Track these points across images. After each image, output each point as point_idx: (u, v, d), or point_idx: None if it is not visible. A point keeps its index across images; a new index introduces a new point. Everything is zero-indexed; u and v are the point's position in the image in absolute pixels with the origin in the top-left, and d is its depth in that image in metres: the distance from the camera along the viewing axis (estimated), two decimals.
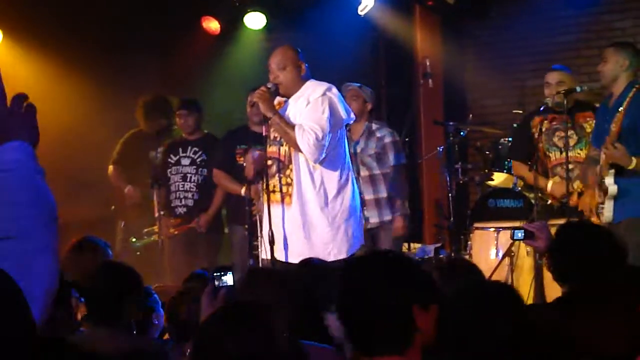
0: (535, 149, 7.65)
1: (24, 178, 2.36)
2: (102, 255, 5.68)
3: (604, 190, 6.72)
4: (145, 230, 9.01)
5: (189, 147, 8.83)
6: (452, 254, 8.51)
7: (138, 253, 9.00)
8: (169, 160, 8.85)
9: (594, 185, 6.94)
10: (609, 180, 6.67)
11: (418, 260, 2.99)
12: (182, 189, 8.79)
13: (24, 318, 1.97)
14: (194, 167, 8.79)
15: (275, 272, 5.03)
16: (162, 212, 8.70)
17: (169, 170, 8.83)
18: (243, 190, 8.03)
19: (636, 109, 6.64)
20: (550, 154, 7.65)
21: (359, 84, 8.39)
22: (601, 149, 6.79)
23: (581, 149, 7.46)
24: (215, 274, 3.89)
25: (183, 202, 8.80)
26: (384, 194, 8.21)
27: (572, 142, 7.44)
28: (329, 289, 4.38)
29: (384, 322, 2.87)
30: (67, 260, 5.35)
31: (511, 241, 7.10)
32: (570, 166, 7.43)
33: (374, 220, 8.09)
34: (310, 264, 5.25)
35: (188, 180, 8.79)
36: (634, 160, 6.56)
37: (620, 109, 6.71)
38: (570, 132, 7.49)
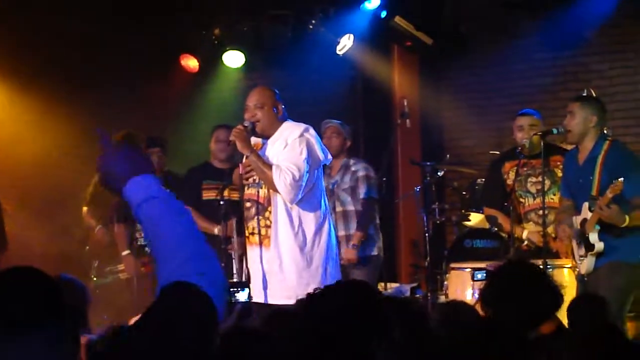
0: (507, 195, 7.66)
1: (159, 209, 2.70)
2: (79, 293, 5.62)
3: (587, 245, 6.70)
4: (108, 268, 8.85)
5: None
6: (429, 295, 8.49)
7: (97, 291, 8.73)
8: None
9: (565, 231, 6.93)
10: (594, 237, 6.65)
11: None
12: None
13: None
14: None
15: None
16: (128, 251, 8.59)
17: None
18: (217, 230, 8.04)
19: (613, 164, 6.66)
20: (523, 200, 7.66)
21: (339, 121, 8.47)
22: (581, 203, 6.78)
23: (554, 194, 7.46)
24: (230, 290, 3.85)
25: None
26: (353, 231, 8.26)
27: (545, 188, 7.46)
28: None
29: None
30: None
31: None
32: (545, 211, 7.45)
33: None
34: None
35: None
36: (627, 218, 6.54)
37: (598, 163, 6.73)
38: (542, 178, 7.52)
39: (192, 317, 2.41)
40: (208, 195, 8.37)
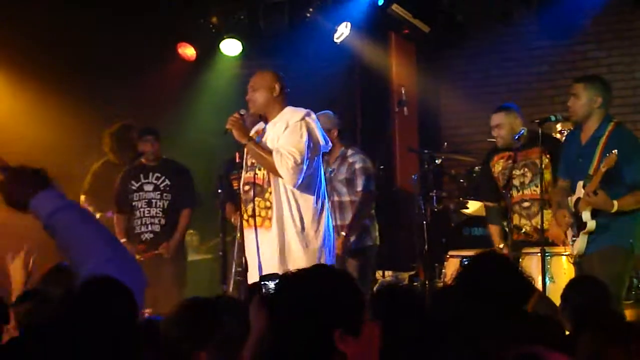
0: (497, 187, 7.75)
1: (74, 216, 2.87)
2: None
3: (580, 224, 6.71)
4: None
5: (150, 173, 8.74)
6: (427, 283, 8.50)
7: None
8: (131, 186, 8.74)
9: (565, 218, 6.93)
10: (587, 216, 6.65)
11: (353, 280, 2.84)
12: (147, 214, 8.71)
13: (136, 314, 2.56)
14: (158, 192, 8.70)
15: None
16: (124, 239, 8.65)
17: (131, 196, 8.74)
18: (232, 219, 8.05)
19: (616, 145, 6.63)
20: (510, 192, 7.68)
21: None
22: (577, 182, 6.78)
23: (537, 186, 7.45)
24: (262, 283, 3.83)
25: (150, 228, 8.70)
26: (348, 222, 8.20)
27: (527, 180, 7.49)
28: None
29: (300, 346, 2.74)
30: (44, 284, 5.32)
31: None
32: (527, 204, 7.49)
33: None
34: None
35: (154, 205, 8.71)
36: (616, 204, 6.53)
37: (600, 143, 6.72)
38: (524, 170, 7.55)
39: (112, 312, 2.51)
40: (236, 184, 8.37)
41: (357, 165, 8.22)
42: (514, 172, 7.63)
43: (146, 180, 8.72)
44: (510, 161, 7.65)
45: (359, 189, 8.20)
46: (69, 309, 2.52)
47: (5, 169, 2.96)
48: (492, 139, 8.59)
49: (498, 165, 7.77)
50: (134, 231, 8.69)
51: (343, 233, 8.06)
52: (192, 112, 10.44)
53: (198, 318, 4.08)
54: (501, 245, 7.63)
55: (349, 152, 8.32)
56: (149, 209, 8.70)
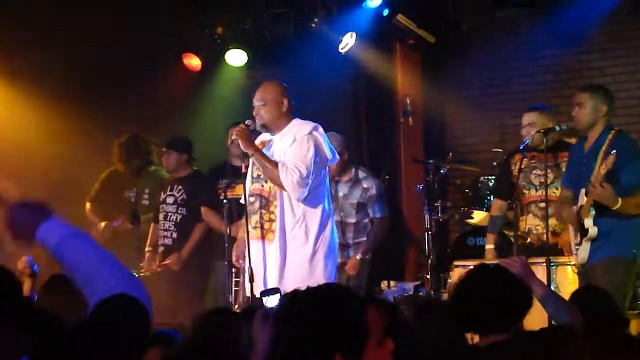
0: (514, 186, 7.72)
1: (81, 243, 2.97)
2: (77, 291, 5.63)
3: (582, 232, 6.71)
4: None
5: (175, 186, 8.86)
6: (432, 293, 8.50)
7: None
8: (160, 198, 8.91)
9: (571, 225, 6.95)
10: (589, 222, 6.66)
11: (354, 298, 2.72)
12: (162, 227, 8.82)
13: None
14: (175, 206, 8.79)
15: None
16: (150, 249, 8.76)
17: (159, 207, 8.89)
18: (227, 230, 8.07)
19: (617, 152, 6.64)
20: (526, 192, 7.70)
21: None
22: (580, 191, 6.79)
23: (557, 188, 7.49)
24: (264, 297, 3.83)
25: (163, 241, 8.80)
26: (350, 240, 8.31)
27: (548, 181, 7.49)
28: None
29: None
30: (43, 294, 5.34)
31: None
32: (544, 204, 7.49)
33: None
34: None
35: (168, 219, 8.79)
36: (620, 200, 6.55)
37: (601, 152, 6.73)
38: (548, 171, 7.55)
39: (131, 326, 2.57)
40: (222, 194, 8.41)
41: (373, 192, 8.41)
42: (535, 171, 7.65)
43: (170, 193, 8.85)
44: (534, 161, 7.66)
45: (378, 215, 8.44)
46: (90, 328, 2.58)
47: (8, 204, 3.01)
48: (498, 149, 8.62)
49: (521, 164, 7.74)
50: (158, 242, 8.80)
51: (358, 256, 8.23)
52: (198, 122, 10.44)
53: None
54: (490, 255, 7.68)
55: (361, 174, 8.45)
56: (164, 222, 8.82)
